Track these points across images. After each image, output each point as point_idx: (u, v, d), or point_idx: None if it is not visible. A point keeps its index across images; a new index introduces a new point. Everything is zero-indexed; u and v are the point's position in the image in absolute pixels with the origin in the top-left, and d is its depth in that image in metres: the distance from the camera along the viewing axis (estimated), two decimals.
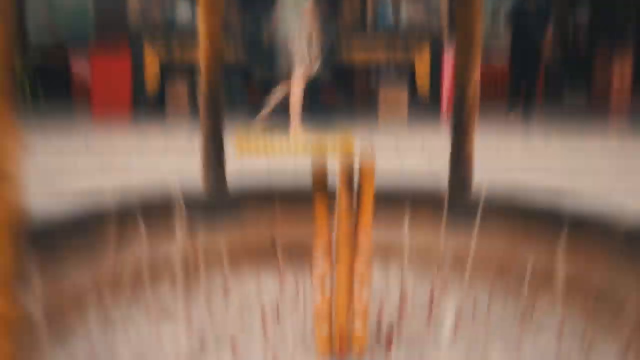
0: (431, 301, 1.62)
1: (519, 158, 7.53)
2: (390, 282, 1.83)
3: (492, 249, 1.82)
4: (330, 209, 1.33)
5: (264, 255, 1.95)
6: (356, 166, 1.29)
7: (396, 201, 1.97)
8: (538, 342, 1.46)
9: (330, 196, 1.33)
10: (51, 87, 9.77)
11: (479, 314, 1.62)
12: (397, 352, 1.38)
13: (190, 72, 8.98)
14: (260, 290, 1.77)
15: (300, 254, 1.93)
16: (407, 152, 7.73)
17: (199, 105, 1.95)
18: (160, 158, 7.31)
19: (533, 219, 1.78)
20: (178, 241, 1.44)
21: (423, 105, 8.53)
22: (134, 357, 1.36)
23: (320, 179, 1.26)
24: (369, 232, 1.29)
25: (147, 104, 9.70)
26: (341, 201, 1.26)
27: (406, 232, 1.51)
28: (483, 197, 1.77)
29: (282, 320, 1.57)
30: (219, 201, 1.92)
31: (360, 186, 1.27)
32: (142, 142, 7.85)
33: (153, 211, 1.78)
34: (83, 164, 7.16)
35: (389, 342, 1.37)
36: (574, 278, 1.63)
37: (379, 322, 1.46)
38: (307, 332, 1.48)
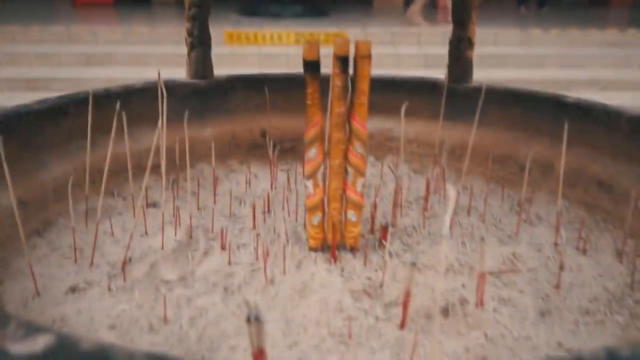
0: (427, 193, 1.57)
1: (519, 48, 7.39)
2: (386, 174, 1.78)
3: (491, 139, 1.76)
4: (324, 93, 1.25)
5: (253, 144, 1.89)
6: (351, 50, 1.20)
7: (392, 90, 1.90)
8: (534, 233, 1.43)
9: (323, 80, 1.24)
10: None
11: (476, 206, 1.58)
12: (391, 243, 1.34)
13: None
14: (249, 181, 1.72)
15: (291, 143, 1.87)
16: (401, 41, 7.57)
17: None
18: (145, 47, 7.13)
19: (533, 108, 1.72)
20: (162, 130, 1.37)
21: None
22: (118, 249, 1.31)
23: (311, 58, 1.17)
24: (365, 117, 1.22)
25: None
26: (335, 81, 1.18)
27: (402, 122, 1.44)
28: (484, 85, 1.68)
29: (272, 213, 1.52)
30: (204, 87, 1.84)
31: (355, 66, 1.18)
32: (126, 31, 7.64)
33: (136, 99, 1.70)
34: (65, 53, 6.97)
35: (383, 234, 1.33)
36: (573, 169, 1.58)
37: (373, 214, 1.42)
38: (299, 224, 1.44)
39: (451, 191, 0.71)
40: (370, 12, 10.28)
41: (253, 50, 7.25)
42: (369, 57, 1.17)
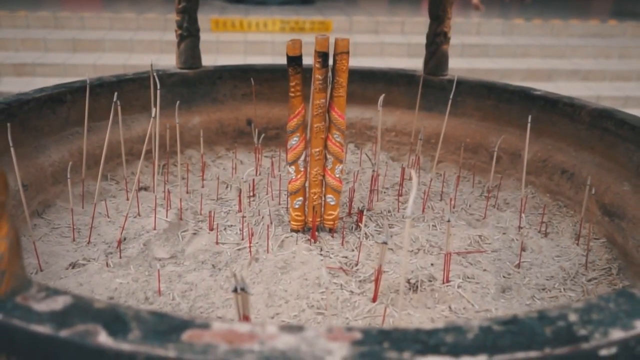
0: (402, 179, 1.68)
1: (502, 38, 7.50)
2: (365, 161, 1.88)
3: (465, 129, 1.87)
4: (306, 83, 1.35)
5: (239, 132, 1.98)
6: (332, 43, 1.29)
7: (372, 81, 1.99)
8: (501, 217, 1.54)
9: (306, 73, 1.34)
10: None
11: (449, 191, 1.69)
12: (367, 225, 1.45)
13: None
14: (235, 167, 1.81)
15: (275, 131, 1.97)
16: (386, 30, 7.64)
17: None
18: (131, 33, 7.16)
19: (504, 101, 1.82)
20: (153, 117, 1.45)
21: None
22: (112, 229, 1.41)
23: (294, 53, 1.27)
24: (343, 108, 1.31)
25: None
26: (315, 75, 1.28)
27: (380, 112, 1.54)
28: (455, 77, 1.79)
29: (257, 196, 1.62)
30: (193, 77, 1.92)
31: (335, 61, 1.28)
32: (113, 17, 7.65)
33: (127, 88, 1.78)
34: (51, 39, 6.99)
35: (359, 216, 1.44)
36: (539, 158, 1.69)
37: (351, 198, 1.52)
38: (282, 207, 1.54)
39: (414, 175, 0.82)
40: (355, 0, 10.33)
41: (239, 37, 7.31)
42: (347, 53, 1.26)
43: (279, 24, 7.61)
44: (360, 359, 0.58)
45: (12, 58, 6.49)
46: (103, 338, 0.60)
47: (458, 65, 6.82)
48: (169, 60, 6.60)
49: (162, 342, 0.60)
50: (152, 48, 6.92)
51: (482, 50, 7.31)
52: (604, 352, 0.62)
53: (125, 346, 0.60)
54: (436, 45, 1.90)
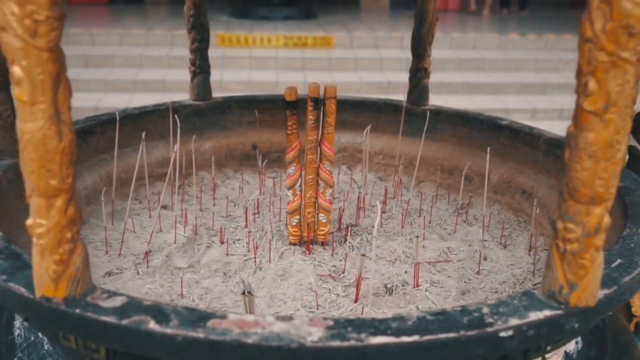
0: (385, 198, 1.94)
1: (497, 53, 7.77)
2: (352, 184, 2.15)
3: (443, 152, 2.13)
4: (301, 123, 1.62)
5: (245, 156, 2.25)
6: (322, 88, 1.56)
7: (362, 109, 2.26)
8: (469, 231, 1.80)
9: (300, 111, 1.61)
10: None
11: (424, 210, 1.95)
12: (352, 239, 1.71)
13: None
14: (242, 187, 2.08)
15: (277, 155, 2.24)
16: (385, 45, 7.92)
17: None
18: (140, 49, 7.44)
19: (476, 128, 2.08)
20: (171, 145, 1.71)
21: None
22: (139, 243, 1.67)
23: (291, 99, 1.54)
24: (332, 143, 1.58)
25: None
26: (308, 116, 1.55)
27: (367, 140, 1.81)
28: (433, 108, 2.06)
29: (261, 214, 1.88)
30: (204, 108, 2.19)
31: (324, 104, 1.54)
32: (122, 33, 7.94)
33: (147, 118, 2.05)
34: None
35: (347, 232, 1.70)
36: (504, 179, 1.95)
37: (340, 217, 1.79)
38: (282, 223, 1.80)
39: (378, 205, 1.08)
40: (357, 14, 10.62)
41: (244, 52, 7.60)
42: (334, 98, 1.53)
43: (283, 40, 7.89)
44: (331, 338, 0.85)
45: None
46: (152, 325, 0.87)
47: (454, 79, 7.10)
48: (176, 76, 6.89)
49: (194, 327, 0.87)
50: (160, 63, 7.22)
51: (478, 64, 7.58)
52: (502, 334, 0.89)
53: (168, 330, 0.86)
54: (417, 80, 2.17)
